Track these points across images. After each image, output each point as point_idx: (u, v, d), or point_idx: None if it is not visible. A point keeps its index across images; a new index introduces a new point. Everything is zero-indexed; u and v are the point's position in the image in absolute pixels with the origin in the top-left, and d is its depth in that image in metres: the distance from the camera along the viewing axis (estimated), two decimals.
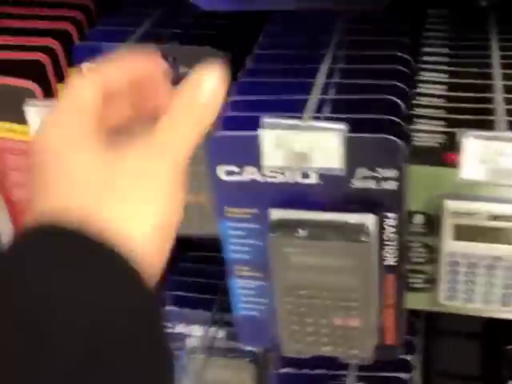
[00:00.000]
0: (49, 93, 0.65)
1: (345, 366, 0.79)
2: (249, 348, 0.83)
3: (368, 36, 0.65)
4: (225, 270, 0.87)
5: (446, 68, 0.61)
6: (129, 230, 0.37)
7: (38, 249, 0.34)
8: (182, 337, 0.85)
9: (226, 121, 0.59)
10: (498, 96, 0.53)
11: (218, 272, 0.86)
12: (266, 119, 0.52)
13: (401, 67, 0.61)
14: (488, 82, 0.57)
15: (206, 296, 0.85)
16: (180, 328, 0.85)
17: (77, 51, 0.66)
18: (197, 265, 0.89)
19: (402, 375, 0.78)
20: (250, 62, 0.64)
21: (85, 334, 0.32)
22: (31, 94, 0.63)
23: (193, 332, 0.85)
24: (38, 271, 0.33)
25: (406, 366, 0.78)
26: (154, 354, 0.35)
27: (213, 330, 0.84)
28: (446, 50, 0.63)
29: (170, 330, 0.85)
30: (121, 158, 0.38)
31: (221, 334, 0.85)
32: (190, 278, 0.86)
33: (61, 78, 0.66)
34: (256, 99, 0.60)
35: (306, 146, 0.52)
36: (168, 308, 0.84)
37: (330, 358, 0.74)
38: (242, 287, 0.67)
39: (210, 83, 0.40)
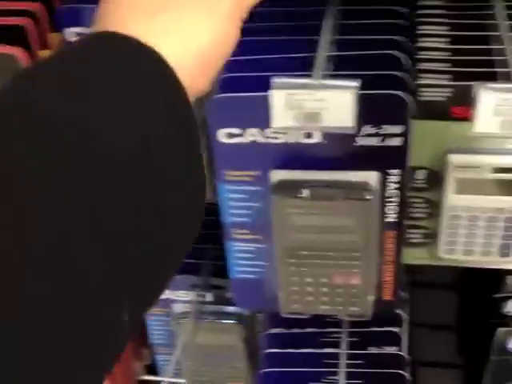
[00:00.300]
0: (32, 59, 0.61)
1: (335, 324, 0.80)
2: (237, 310, 0.82)
3: None
4: (211, 234, 0.87)
5: (445, 20, 0.60)
6: (175, 50, 0.38)
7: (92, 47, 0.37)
8: (168, 302, 0.84)
9: (226, 81, 0.57)
10: (508, 47, 0.53)
11: (204, 236, 0.86)
12: (276, 79, 0.51)
13: (400, 21, 0.60)
14: (493, 33, 0.56)
15: (191, 260, 0.84)
16: (167, 294, 0.84)
17: (60, 15, 0.63)
18: None
19: (393, 329, 0.78)
20: (246, 21, 0.61)
21: (135, 134, 0.34)
22: (14, 61, 0.60)
23: (180, 297, 0.84)
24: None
25: (395, 320, 0.79)
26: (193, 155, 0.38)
27: (201, 294, 0.82)
28: (442, 2, 0.62)
29: None
30: None
31: (208, 297, 0.84)
32: None
33: (43, 44, 0.63)
34: (255, 58, 0.58)
35: (317, 106, 0.51)
36: None
37: (320, 316, 0.75)
38: (240, 250, 0.66)
39: None
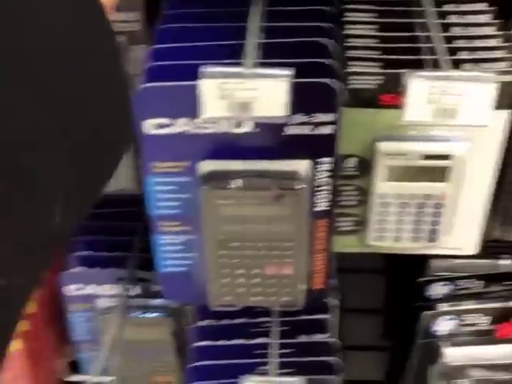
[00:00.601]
0: None
1: (264, 313, 0.79)
2: (164, 303, 0.81)
3: None
4: (135, 226, 0.84)
5: (373, 7, 0.60)
6: None
7: None
8: (92, 297, 0.82)
9: (153, 70, 0.55)
10: (435, 34, 0.53)
11: (128, 228, 0.84)
12: (207, 68, 0.49)
13: (328, 8, 0.59)
14: (420, 20, 0.56)
15: (115, 254, 0.82)
16: (90, 289, 0.81)
17: None
18: (103, 223, 0.84)
19: (322, 316, 0.78)
20: (167, 7, 0.60)
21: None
22: None
23: (104, 291, 0.81)
24: None
25: (324, 308, 0.79)
26: None
27: (127, 287, 0.80)
28: None
29: (80, 292, 0.82)
30: None
31: (134, 291, 0.82)
32: (98, 236, 0.82)
33: None
34: (182, 46, 0.56)
35: (249, 95, 0.50)
36: (77, 270, 0.80)
37: (249, 307, 0.74)
38: (169, 243, 0.64)
39: None
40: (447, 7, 0.59)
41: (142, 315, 0.82)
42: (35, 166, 0.32)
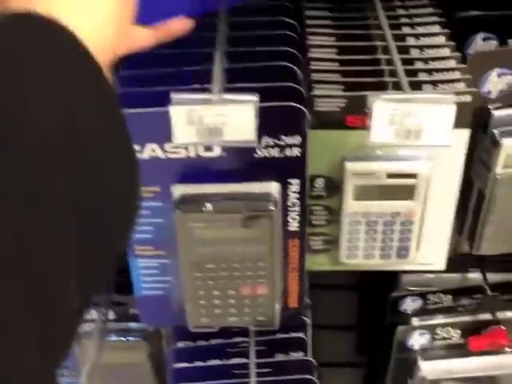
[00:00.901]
0: None
1: (241, 333, 0.80)
2: (141, 327, 0.81)
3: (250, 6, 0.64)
4: None
5: (331, 31, 0.62)
6: (81, 25, 0.38)
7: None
8: None
9: (122, 97, 0.56)
10: (394, 56, 0.55)
11: None
12: (175, 95, 0.50)
13: (290, 32, 0.61)
14: (379, 43, 0.58)
15: None
16: None
17: None
18: None
19: (298, 334, 0.79)
20: None
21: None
22: None
23: None
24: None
25: (300, 326, 0.80)
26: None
27: (104, 312, 0.81)
28: (327, 13, 0.64)
29: None
30: None
31: (110, 315, 0.82)
32: None
33: None
34: (150, 72, 0.57)
35: (218, 121, 0.51)
36: None
37: (226, 327, 0.75)
38: (144, 267, 0.65)
39: None
40: (404, 30, 0.62)
41: (119, 339, 0.82)
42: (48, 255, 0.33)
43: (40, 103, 0.33)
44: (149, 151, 0.57)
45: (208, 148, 0.57)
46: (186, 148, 0.57)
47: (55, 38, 0.37)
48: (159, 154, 0.57)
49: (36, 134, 0.33)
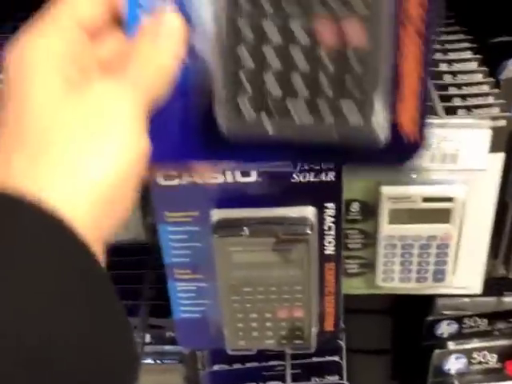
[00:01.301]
0: None
1: (277, 357, 0.80)
2: (177, 349, 0.82)
3: None
4: (145, 274, 0.86)
5: None
6: (65, 205, 0.33)
7: None
8: None
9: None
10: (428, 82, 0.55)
11: (138, 276, 0.86)
12: None
13: None
14: None
15: (127, 302, 0.83)
16: None
17: None
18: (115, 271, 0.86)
19: (334, 358, 0.80)
20: None
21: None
22: None
23: None
24: None
25: (335, 349, 0.81)
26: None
27: (140, 335, 0.82)
28: None
29: None
30: (77, 96, 0.35)
31: (146, 338, 0.83)
32: None
33: None
34: None
35: None
36: None
37: (261, 350, 0.75)
38: (182, 290, 0.66)
39: (168, 17, 0.39)
40: (436, 56, 0.62)
41: (155, 362, 0.83)
42: None
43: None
44: (187, 177, 0.59)
45: (245, 173, 0.59)
46: (223, 173, 0.58)
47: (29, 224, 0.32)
48: (197, 179, 0.59)
49: None
